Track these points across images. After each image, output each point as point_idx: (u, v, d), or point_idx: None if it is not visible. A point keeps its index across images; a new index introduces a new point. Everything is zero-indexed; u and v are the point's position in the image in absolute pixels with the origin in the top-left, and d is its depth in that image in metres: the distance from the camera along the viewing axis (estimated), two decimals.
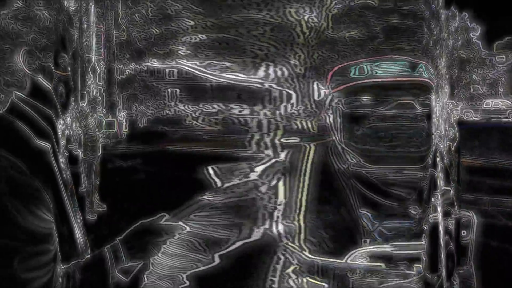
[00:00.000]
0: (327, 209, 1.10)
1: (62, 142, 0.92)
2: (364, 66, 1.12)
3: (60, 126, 0.91)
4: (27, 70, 0.84)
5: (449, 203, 1.22)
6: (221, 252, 1.00)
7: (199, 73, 1.07)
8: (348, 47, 1.10)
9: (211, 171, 1.08)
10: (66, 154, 0.95)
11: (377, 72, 1.10)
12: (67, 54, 0.91)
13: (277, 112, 1.04)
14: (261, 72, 1.03)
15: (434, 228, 1.18)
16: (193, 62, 1.08)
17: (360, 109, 1.10)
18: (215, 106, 1.11)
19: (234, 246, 1.00)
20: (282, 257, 1.03)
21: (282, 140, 1.06)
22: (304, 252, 1.04)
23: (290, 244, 1.03)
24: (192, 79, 1.10)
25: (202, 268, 1.02)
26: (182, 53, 1.10)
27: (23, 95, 0.84)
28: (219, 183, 1.07)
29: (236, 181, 1.04)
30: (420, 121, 1.11)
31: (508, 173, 5.42)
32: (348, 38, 1.10)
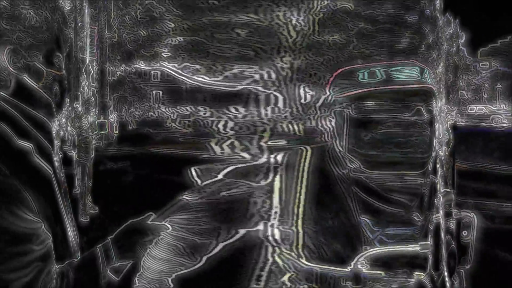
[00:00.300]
0: (325, 215, 1.08)
1: (57, 142, 0.91)
2: (377, 71, 1.09)
3: (54, 125, 0.90)
4: (11, 69, 0.83)
5: (451, 204, 1.26)
6: (207, 255, 0.99)
7: (177, 75, 1.03)
8: (332, 51, 1.09)
9: (192, 172, 1.06)
10: (60, 154, 0.94)
11: (392, 77, 1.08)
12: (62, 54, 0.91)
13: (263, 114, 1.03)
14: (244, 75, 1.02)
15: (437, 228, 1.18)
16: (173, 64, 1.04)
17: (373, 115, 1.08)
18: (189, 108, 1.09)
19: (218, 248, 0.99)
20: (277, 263, 1.01)
21: (269, 142, 1.04)
22: (301, 259, 1.02)
23: (286, 250, 1.02)
24: (172, 81, 1.11)
25: (187, 271, 1.00)
26: (164, 55, 1.06)
27: (6, 95, 0.83)
28: (199, 183, 1.03)
29: (215, 180, 1.03)
30: (425, 127, 1.11)
31: (491, 177, 5.62)
32: (332, 42, 1.09)
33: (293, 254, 1.00)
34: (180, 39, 1.05)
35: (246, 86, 1.01)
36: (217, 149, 1.02)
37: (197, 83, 1.02)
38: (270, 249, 1.00)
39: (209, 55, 1.00)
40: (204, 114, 1.03)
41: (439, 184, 1.21)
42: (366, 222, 1.10)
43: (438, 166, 1.21)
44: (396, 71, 1.11)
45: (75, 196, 5.39)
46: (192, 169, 1.03)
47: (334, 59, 1.10)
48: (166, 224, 0.96)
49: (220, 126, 1.01)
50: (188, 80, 1.05)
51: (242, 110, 1.02)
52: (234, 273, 1.01)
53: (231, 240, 0.98)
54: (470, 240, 1.33)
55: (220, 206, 1.03)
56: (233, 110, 1.01)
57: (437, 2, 1.26)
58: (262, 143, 1.03)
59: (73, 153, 5.37)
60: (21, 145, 0.80)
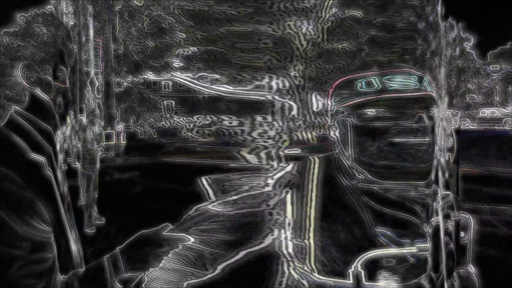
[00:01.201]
0: (337, 228, 1.07)
1: (61, 156, 0.93)
2: (373, 80, 1.09)
3: (58, 139, 0.93)
4: (25, 84, 0.87)
5: (449, 206, 1.23)
6: (221, 265, 1.00)
7: (192, 85, 1.08)
8: (342, 58, 1.11)
9: (205, 182, 1.07)
10: (64, 168, 0.96)
11: (387, 86, 1.08)
12: (66, 68, 0.94)
13: (277, 123, 1.05)
14: (258, 84, 1.04)
15: (436, 231, 1.17)
16: (186, 74, 1.06)
17: (375, 123, 1.07)
18: (209, 117, 1.11)
19: (235, 259, 0.99)
20: (291, 277, 1.01)
21: (285, 151, 1.06)
22: (314, 273, 1.02)
23: (298, 264, 1.02)
24: (186, 91, 1.11)
25: (197, 280, 1.01)
26: (176, 65, 1.08)
27: (21, 110, 0.87)
28: (214, 195, 1.07)
29: (245, 193, 1.04)
30: (427, 135, 1.10)
31: (506, 181, 5.44)
32: (341, 50, 1.11)
33: (305, 268, 1.01)
34: (193, 49, 1.06)
35: (265, 95, 1.03)
36: (250, 158, 1.03)
37: (218, 93, 1.03)
38: (285, 263, 1.00)
39: (231, 65, 1.02)
40: (230, 123, 1.04)
41: (440, 190, 1.19)
42: (385, 233, 1.08)
43: (440, 174, 1.19)
44: (391, 80, 1.09)
45: (80, 207, 5.39)
46: (204, 179, 1.03)
47: (345, 67, 1.10)
48: (186, 235, 0.95)
49: (255, 135, 1.03)
50: (206, 89, 1.08)
51: (269, 119, 1.03)
52: (249, 285, 1.00)
53: (246, 252, 0.99)
54: (468, 241, 1.32)
55: (239, 218, 1.03)
56: (260, 119, 1.03)
57: (439, 9, 1.27)
58: (280, 152, 1.04)
59: (78, 165, 5.38)
60: (35, 158, 0.84)
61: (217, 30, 1.03)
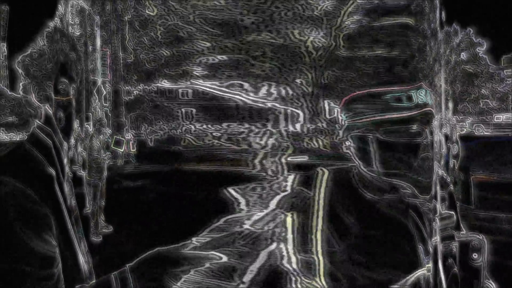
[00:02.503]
0: (373, 243, 1.05)
1: (67, 169, 0.94)
2: (413, 94, 1.06)
3: (64, 150, 0.95)
4: (36, 101, 0.92)
5: (454, 227, 1.19)
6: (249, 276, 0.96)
7: (220, 93, 1.12)
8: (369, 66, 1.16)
9: (233, 193, 1.06)
10: (70, 179, 0.96)
11: (420, 100, 1.06)
12: (69, 79, 0.96)
13: (285, 131, 1.04)
14: (264, 91, 1.04)
15: (435, 252, 1.15)
16: (212, 82, 1.14)
17: (417, 139, 1.06)
18: (232, 125, 1.14)
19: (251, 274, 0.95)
20: None
21: (289, 159, 1.04)
22: None
23: (307, 280, 0.99)
24: (209, 99, 1.15)
25: None
26: (197, 73, 1.18)
27: (41, 124, 0.92)
28: (241, 206, 1.07)
29: (264, 211, 1.08)
30: (428, 150, 1.10)
31: None
32: (372, 57, 1.09)
33: (314, 283, 0.98)
34: (221, 57, 1.07)
35: (274, 103, 1.04)
36: (267, 165, 1.03)
37: (240, 101, 1.06)
38: (293, 278, 0.97)
39: (250, 73, 1.04)
40: (249, 131, 1.05)
41: (438, 206, 1.17)
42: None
43: (438, 188, 1.16)
44: (420, 94, 1.07)
45: (86, 215, 5.39)
46: (231, 190, 1.03)
47: (373, 76, 1.10)
48: (215, 253, 0.91)
49: (265, 142, 1.04)
50: (232, 97, 1.11)
51: (279, 126, 1.03)
52: None
53: (259, 265, 0.95)
54: (482, 263, 1.27)
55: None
56: (269, 126, 1.04)
57: (437, 14, 1.26)
58: (283, 160, 1.04)
59: (83, 173, 5.42)
60: (50, 172, 0.87)
61: (242, 38, 1.04)
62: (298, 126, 1.04)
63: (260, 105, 1.12)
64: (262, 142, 1.10)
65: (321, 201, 1.03)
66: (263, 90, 1.09)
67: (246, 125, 1.10)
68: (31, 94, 0.92)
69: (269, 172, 1.09)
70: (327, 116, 1.07)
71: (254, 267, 0.97)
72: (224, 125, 1.14)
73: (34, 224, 0.80)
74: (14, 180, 0.80)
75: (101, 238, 5.50)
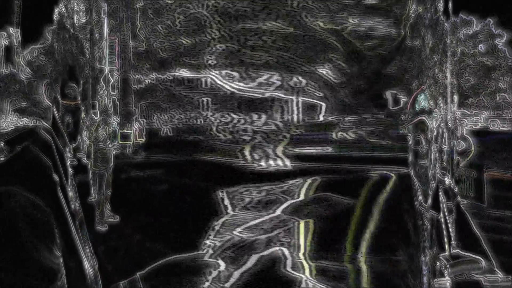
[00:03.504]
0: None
1: (71, 172, 0.92)
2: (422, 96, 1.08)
3: (68, 156, 0.92)
4: (48, 102, 0.88)
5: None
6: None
7: (221, 82, 1.05)
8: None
9: (221, 196, 1.02)
10: (74, 183, 0.94)
11: (419, 106, 1.07)
12: (77, 83, 0.92)
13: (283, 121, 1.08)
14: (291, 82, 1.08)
15: None
16: (217, 71, 1.07)
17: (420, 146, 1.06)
18: (229, 115, 1.08)
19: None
20: None
21: (310, 150, 1.09)
22: None
23: None
24: (215, 88, 1.09)
25: None
26: (210, 63, 1.11)
27: (48, 126, 0.87)
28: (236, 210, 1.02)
29: (264, 217, 1.04)
30: (424, 158, 1.06)
31: None
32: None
33: None
34: (223, 46, 1.07)
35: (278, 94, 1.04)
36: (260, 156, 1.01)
37: (235, 90, 1.05)
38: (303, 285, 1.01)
39: (243, 63, 1.02)
40: (248, 121, 1.04)
41: (447, 217, 1.07)
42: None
43: (441, 196, 1.07)
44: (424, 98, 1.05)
45: (91, 204, 5.42)
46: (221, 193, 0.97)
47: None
48: (217, 260, 0.92)
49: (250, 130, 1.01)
50: (229, 87, 1.04)
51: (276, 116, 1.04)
52: None
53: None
54: None
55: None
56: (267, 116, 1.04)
57: (439, 4, 1.17)
58: (279, 151, 1.04)
59: (88, 162, 5.43)
60: (55, 178, 0.83)
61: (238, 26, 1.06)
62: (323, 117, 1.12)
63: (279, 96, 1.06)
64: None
65: (373, 208, 1.03)
66: (290, 81, 1.03)
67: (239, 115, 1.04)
68: (42, 94, 0.88)
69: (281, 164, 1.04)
70: (391, 107, 1.13)
71: (238, 273, 0.93)
72: (221, 115, 1.10)
73: (41, 236, 0.79)
74: (22, 190, 0.78)
75: (107, 227, 5.54)
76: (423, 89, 1.11)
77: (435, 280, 1.04)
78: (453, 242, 1.06)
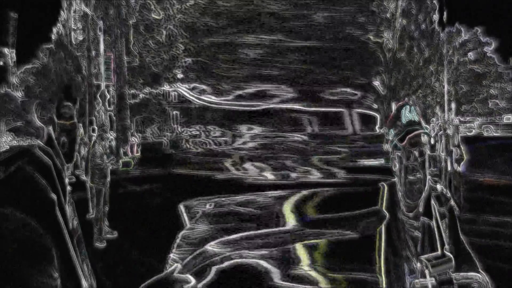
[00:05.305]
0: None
1: (69, 189, 0.90)
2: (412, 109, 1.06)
3: (67, 174, 0.89)
4: (39, 122, 0.85)
5: (452, 271, 1.10)
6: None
7: (189, 96, 1.06)
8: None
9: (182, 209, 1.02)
10: (73, 201, 0.92)
11: (406, 118, 1.05)
12: (73, 102, 0.91)
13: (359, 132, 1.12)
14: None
15: None
16: (185, 86, 1.09)
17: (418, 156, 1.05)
18: (199, 128, 1.09)
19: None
20: None
21: (365, 162, 1.13)
22: None
23: None
24: (184, 102, 1.10)
25: None
26: (178, 76, 1.13)
27: (44, 146, 0.85)
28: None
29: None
30: (416, 172, 1.07)
31: None
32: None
33: None
34: (188, 60, 1.09)
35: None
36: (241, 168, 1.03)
37: (206, 103, 1.07)
38: None
39: (214, 76, 1.05)
40: (215, 134, 1.06)
41: (439, 224, 1.09)
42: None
43: (433, 202, 1.09)
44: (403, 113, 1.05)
45: (90, 221, 5.37)
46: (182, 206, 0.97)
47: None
48: (189, 276, 0.92)
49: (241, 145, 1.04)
50: (197, 100, 1.06)
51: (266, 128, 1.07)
52: None
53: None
54: None
55: None
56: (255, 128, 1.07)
57: (434, 16, 1.22)
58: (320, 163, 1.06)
59: (86, 178, 5.38)
60: (52, 198, 0.81)
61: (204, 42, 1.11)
62: (377, 128, 1.14)
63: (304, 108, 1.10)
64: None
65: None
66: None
67: (212, 128, 1.07)
68: (33, 114, 0.86)
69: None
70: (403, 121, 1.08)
71: (199, 285, 0.93)
72: (192, 128, 1.12)
73: (37, 260, 0.76)
74: (16, 212, 0.75)
75: (105, 244, 5.47)
76: (406, 102, 1.13)
77: (417, 280, 1.06)
78: (446, 246, 1.08)
